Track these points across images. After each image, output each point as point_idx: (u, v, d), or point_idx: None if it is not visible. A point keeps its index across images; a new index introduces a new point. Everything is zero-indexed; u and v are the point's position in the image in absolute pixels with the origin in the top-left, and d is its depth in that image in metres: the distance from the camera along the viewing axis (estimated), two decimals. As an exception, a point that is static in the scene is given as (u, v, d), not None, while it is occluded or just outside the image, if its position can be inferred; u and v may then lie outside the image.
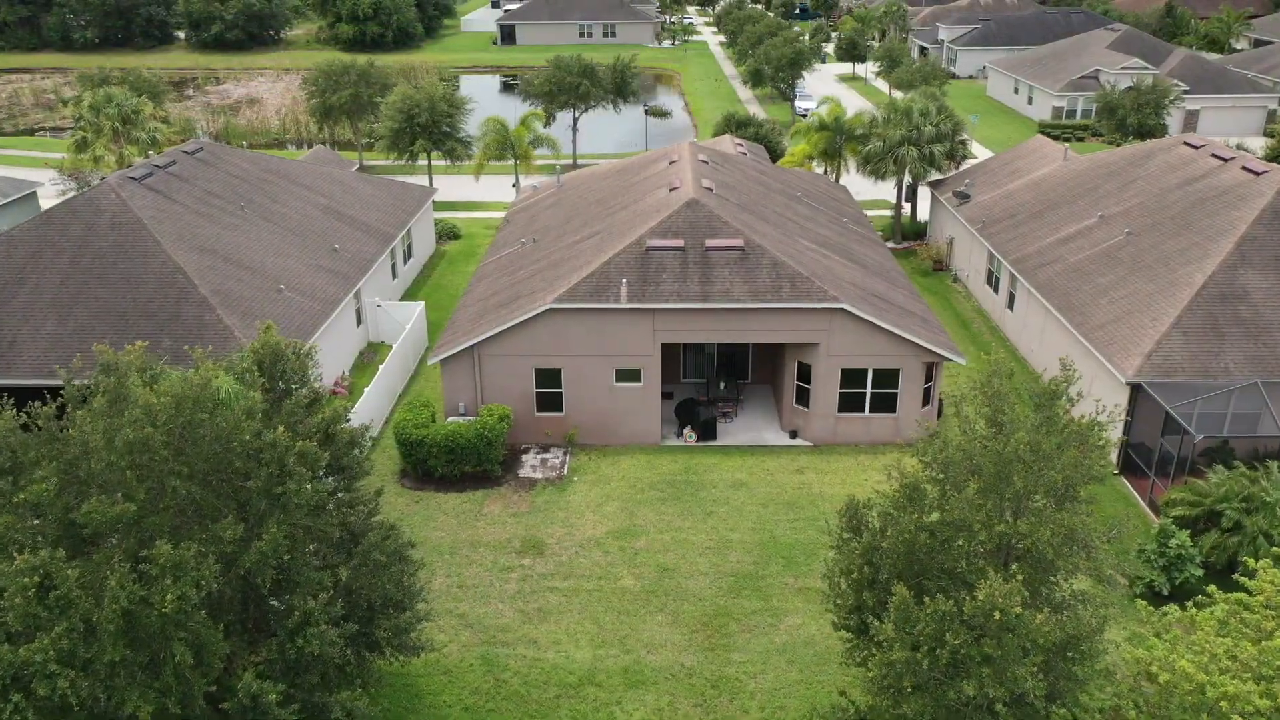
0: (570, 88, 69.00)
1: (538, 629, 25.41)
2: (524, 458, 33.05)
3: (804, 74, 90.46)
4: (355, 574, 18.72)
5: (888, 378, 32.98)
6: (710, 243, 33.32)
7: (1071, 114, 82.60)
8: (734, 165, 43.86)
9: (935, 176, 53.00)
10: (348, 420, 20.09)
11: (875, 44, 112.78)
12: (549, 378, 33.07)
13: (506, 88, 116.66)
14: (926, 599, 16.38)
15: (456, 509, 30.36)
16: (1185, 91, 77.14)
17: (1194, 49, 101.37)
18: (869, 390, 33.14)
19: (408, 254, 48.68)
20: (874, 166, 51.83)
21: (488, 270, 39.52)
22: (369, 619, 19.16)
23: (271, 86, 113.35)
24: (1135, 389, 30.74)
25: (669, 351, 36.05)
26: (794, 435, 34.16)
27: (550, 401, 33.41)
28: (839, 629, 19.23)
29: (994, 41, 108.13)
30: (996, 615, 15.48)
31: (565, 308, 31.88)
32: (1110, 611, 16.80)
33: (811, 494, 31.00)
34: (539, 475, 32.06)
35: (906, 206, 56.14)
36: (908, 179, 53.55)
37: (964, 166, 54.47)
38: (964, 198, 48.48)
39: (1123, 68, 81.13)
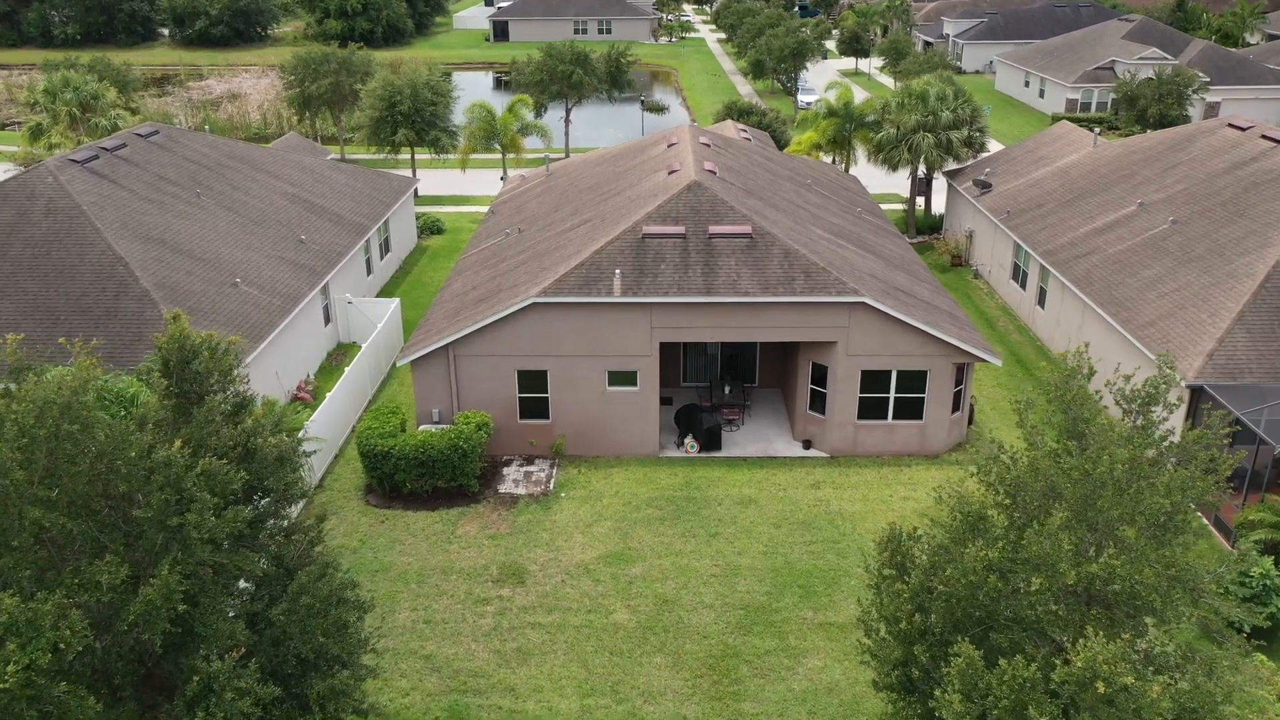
0: (563, 76, 65.45)
1: (516, 674, 21.76)
2: (505, 471, 29.42)
3: (807, 65, 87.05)
4: (283, 622, 15.07)
5: (914, 381, 29.39)
6: (714, 229, 29.74)
7: (1086, 106, 79.19)
8: (738, 150, 40.32)
9: (952, 166, 49.48)
10: (280, 430, 16.44)
11: (878, 39, 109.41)
12: (533, 381, 29.45)
13: (500, 84, 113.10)
14: (1003, 661, 12.77)
15: (426, 530, 26.70)
16: (1206, 82, 73.72)
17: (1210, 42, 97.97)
18: (892, 395, 29.55)
19: (385, 248, 45.06)
20: (887, 155, 48.32)
21: (468, 263, 35.91)
22: (300, 676, 15.51)
23: (255, 83, 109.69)
24: (1196, 393, 27.19)
25: (668, 352, 32.47)
26: (808, 445, 30.54)
27: (535, 408, 29.79)
28: (881, 689, 15.61)
29: (1001, 35, 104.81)
30: (1099, 686, 11.87)
31: (551, 302, 28.27)
32: (1240, 678, 13.18)
33: (830, 512, 27.38)
34: (522, 491, 28.42)
35: (920, 199, 52.63)
36: (922, 169, 50.06)
37: (982, 156, 50.93)
38: (985, 187, 44.94)
39: (1140, 58, 77.72)
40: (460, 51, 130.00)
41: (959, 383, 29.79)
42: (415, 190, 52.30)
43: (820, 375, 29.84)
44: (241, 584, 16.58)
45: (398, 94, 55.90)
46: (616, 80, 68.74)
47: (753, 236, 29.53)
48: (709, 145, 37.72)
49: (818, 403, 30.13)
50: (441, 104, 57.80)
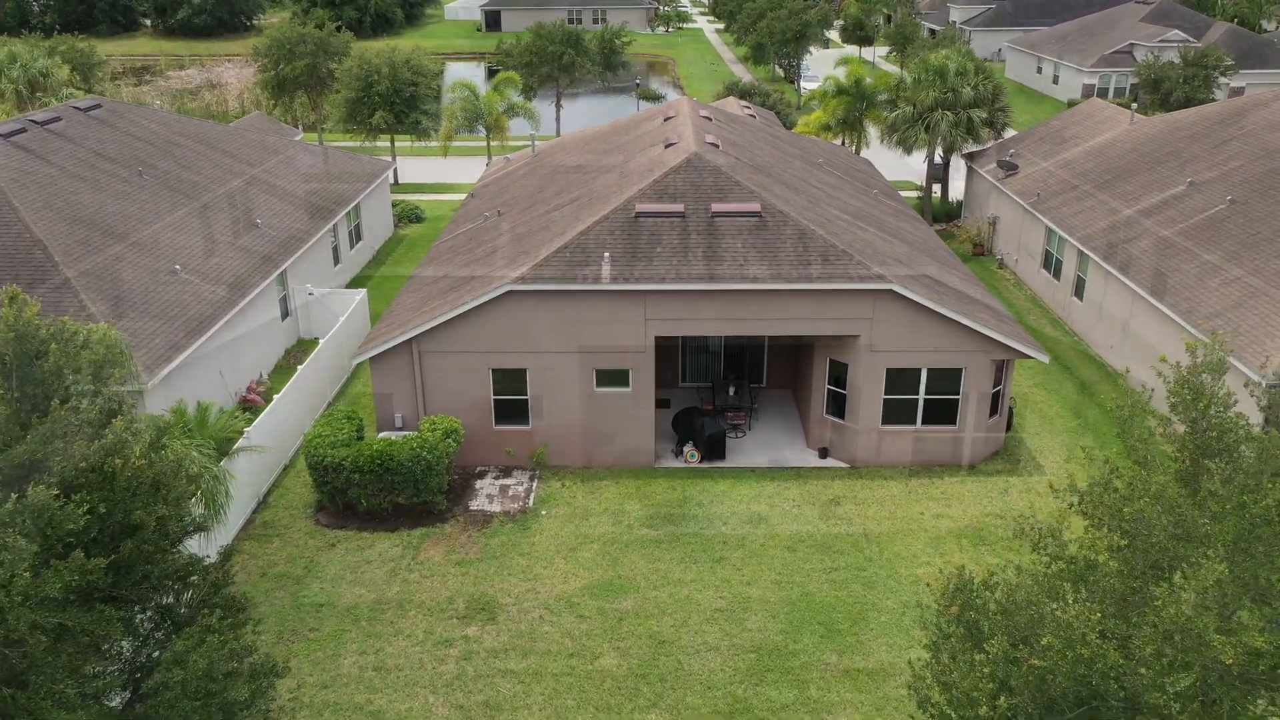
0: (553, 57, 61.63)
1: (481, 735, 18.00)
2: (478, 484, 25.64)
3: (810, 50, 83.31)
4: (152, 703, 11.32)
5: (947, 380, 25.65)
6: (717, 207, 25.98)
7: (1104, 92, 75.47)
8: (742, 125, 36.57)
9: (972, 148, 45.78)
10: (162, 445, 12.66)
11: (882, 28, 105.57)
12: (511, 381, 25.68)
13: (493, 75, 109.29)
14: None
15: (384, 555, 22.91)
16: (1232, 65, 70.03)
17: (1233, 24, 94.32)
18: (922, 396, 25.80)
19: (356, 236, 41.26)
20: (902, 135, 44.57)
21: (442, 249, 32.13)
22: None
23: (238, 72, 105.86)
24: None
25: (665, 348, 28.71)
26: (824, 454, 26.79)
27: (513, 412, 26.02)
28: (947, 787, 11.85)
29: (1010, 22, 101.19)
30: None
31: (530, 289, 24.50)
32: None
33: (852, 533, 23.63)
34: (496, 508, 24.64)
35: (935, 185, 48.90)
36: (939, 152, 46.35)
37: (1004, 136, 47.25)
38: (1010, 169, 41.22)
39: (1161, 40, 74.05)
40: (451, 41, 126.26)
41: (997, 382, 26.05)
42: (394, 174, 48.70)
43: (839, 374, 26.10)
44: (120, 646, 12.85)
45: (375, 73, 52.09)
46: (610, 62, 64.90)
47: (762, 215, 25.78)
48: (710, 119, 33.98)
49: (836, 406, 26.39)
50: (423, 85, 53.95)
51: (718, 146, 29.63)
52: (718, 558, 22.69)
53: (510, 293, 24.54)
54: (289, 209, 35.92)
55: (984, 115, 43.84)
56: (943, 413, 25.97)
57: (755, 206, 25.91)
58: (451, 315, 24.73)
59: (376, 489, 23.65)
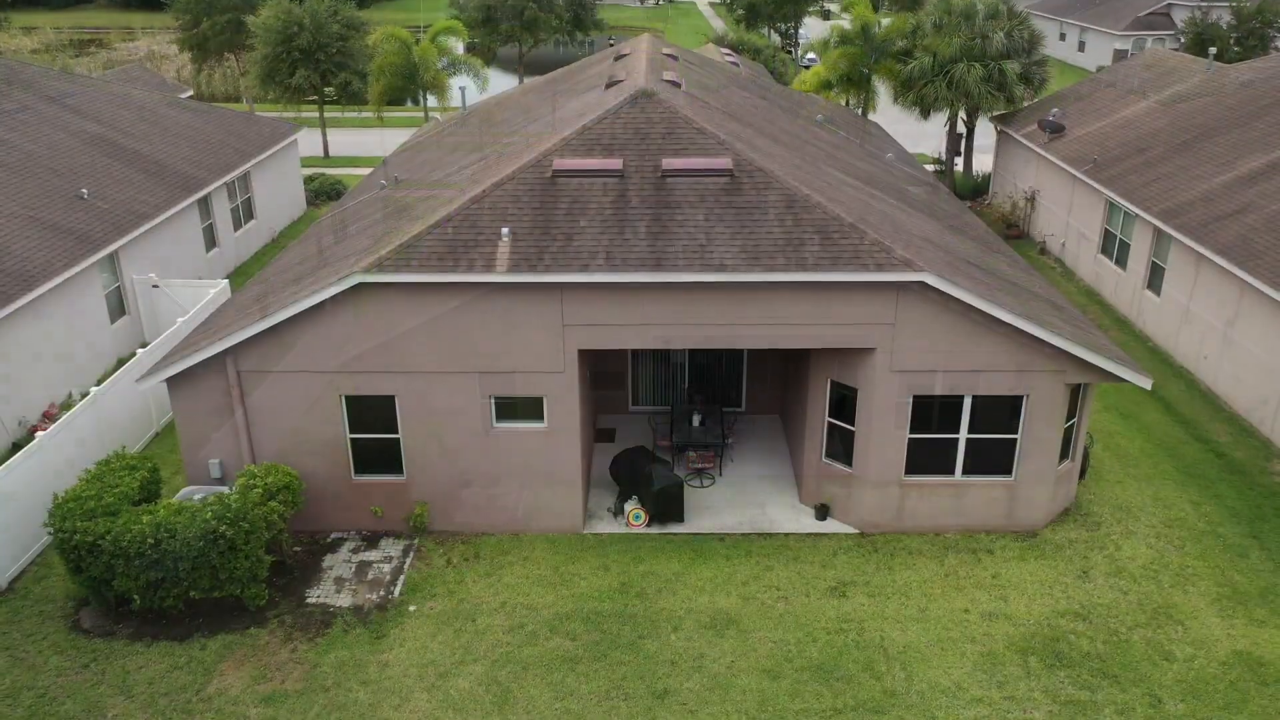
0: (514, 12, 53.63)
1: None
2: (327, 560, 17.84)
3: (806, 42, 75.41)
4: None
5: (1000, 411, 17.85)
6: (671, 164, 18.13)
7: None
8: (719, 70, 28.72)
9: (1003, 109, 37.94)
10: None
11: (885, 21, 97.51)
12: (373, 413, 17.87)
13: (471, 50, 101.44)
14: None
15: (158, 682, 15.08)
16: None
17: None
18: (964, 435, 18.01)
19: (244, 214, 33.38)
20: (919, 92, 36.66)
21: (317, 229, 24.35)
22: None
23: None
24: None
25: (610, 360, 20.99)
26: (823, 514, 18.99)
27: (379, 456, 18.22)
28: None
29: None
30: None
31: (391, 281, 16.66)
32: None
33: (864, 644, 15.83)
34: (344, 600, 16.84)
35: (958, 159, 41.07)
36: (961, 116, 38.56)
37: (1040, 97, 39.45)
38: (1055, 130, 33.38)
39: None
40: (428, 15, 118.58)
41: (1073, 414, 18.26)
42: (324, 146, 40.70)
43: (845, 402, 18.29)
44: None
45: (296, 25, 44.16)
46: (580, 21, 56.82)
47: (734, 175, 17.94)
48: (675, 58, 26.10)
49: (840, 446, 18.60)
50: (354, 40, 46.02)
51: (679, 86, 21.78)
52: (661, 690, 14.90)
53: (362, 287, 16.72)
54: (139, 177, 28.07)
55: (1018, 69, 35.94)
56: (992, 457, 18.17)
57: (725, 162, 18.04)
58: (280, 319, 16.89)
59: (154, 579, 15.85)
